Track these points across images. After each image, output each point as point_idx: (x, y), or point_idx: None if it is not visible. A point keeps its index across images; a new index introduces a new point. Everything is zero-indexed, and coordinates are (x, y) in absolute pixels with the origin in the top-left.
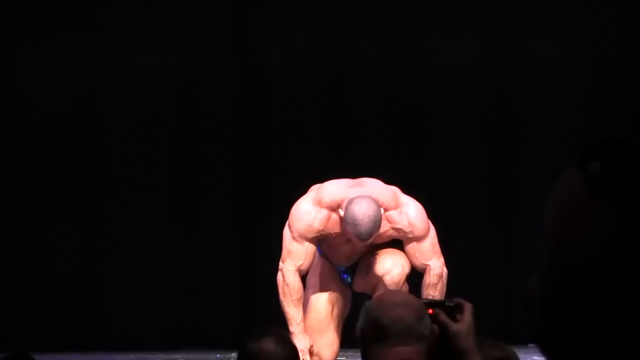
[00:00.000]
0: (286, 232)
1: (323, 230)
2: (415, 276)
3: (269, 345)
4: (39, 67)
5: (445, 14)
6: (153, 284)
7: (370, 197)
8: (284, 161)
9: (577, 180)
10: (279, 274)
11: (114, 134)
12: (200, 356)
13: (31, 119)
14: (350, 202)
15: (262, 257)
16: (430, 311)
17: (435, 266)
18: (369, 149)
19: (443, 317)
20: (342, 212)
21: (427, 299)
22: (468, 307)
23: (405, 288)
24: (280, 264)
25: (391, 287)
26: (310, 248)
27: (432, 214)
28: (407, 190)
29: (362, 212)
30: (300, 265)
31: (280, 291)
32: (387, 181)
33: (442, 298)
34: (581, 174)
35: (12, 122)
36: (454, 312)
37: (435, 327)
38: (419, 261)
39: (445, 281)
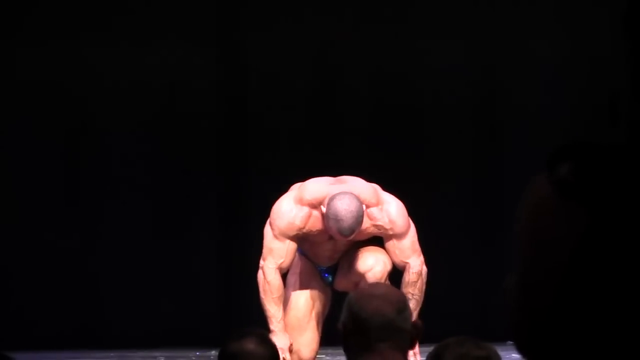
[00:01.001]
0: (267, 230)
1: (304, 228)
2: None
3: (250, 345)
4: (39, 67)
5: (437, 14)
6: (151, 283)
7: (352, 194)
8: (274, 161)
9: (547, 184)
10: (260, 272)
11: (114, 134)
12: (179, 354)
13: (31, 119)
14: (332, 198)
15: (252, 256)
16: None
17: (415, 264)
18: (358, 149)
19: None
20: (324, 209)
21: None
22: None
23: None
24: (261, 261)
25: None
26: (292, 246)
27: (426, 214)
28: (397, 191)
29: (345, 207)
30: (281, 263)
31: (261, 289)
32: (379, 182)
33: (422, 295)
34: (550, 177)
35: (12, 122)
36: None
37: (419, 321)
38: (398, 259)
39: (425, 279)
